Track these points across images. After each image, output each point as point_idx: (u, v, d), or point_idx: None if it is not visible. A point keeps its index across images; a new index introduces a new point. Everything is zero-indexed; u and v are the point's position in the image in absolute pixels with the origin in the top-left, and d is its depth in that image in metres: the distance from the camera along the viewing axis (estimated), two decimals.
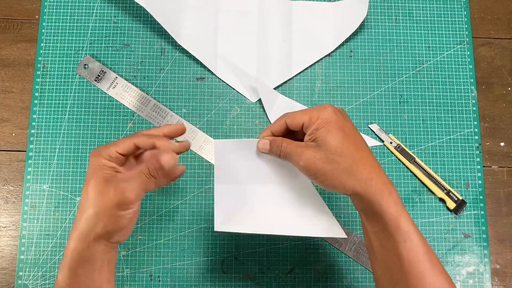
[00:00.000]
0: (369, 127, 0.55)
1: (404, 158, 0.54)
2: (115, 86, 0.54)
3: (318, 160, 0.37)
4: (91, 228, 0.37)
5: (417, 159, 0.54)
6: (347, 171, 0.37)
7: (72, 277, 0.37)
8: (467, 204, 0.53)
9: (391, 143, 0.54)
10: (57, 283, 0.37)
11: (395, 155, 0.54)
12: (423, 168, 0.53)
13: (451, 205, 0.52)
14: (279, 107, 0.55)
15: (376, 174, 0.37)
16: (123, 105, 0.54)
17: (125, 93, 0.54)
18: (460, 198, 0.53)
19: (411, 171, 0.54)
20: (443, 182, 0.53)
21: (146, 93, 0.55)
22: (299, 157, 0.38)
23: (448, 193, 0.53)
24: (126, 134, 0.54)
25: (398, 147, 0.54)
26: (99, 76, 0.54)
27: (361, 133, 0.54)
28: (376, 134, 0.54)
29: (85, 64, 0.54)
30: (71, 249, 0.37)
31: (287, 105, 0.55)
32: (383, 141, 0.54)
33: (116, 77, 0.54)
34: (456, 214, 0.53)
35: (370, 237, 0.38)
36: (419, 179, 0.54)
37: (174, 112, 0.54)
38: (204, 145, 0.54)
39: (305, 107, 0.55)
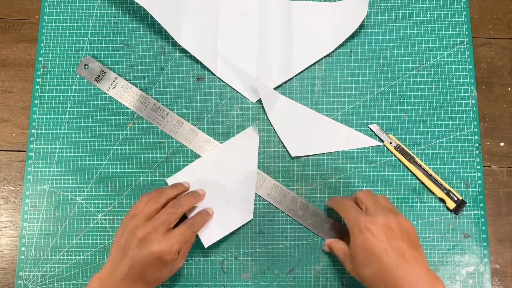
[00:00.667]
0: (369, 127, 0.55)
1: (404, 158, 0.54)
2: (115, 86, 0.54)
3: (351, 271, 0.45)
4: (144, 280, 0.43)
5: (417, 159, 0.54)
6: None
7: None
8: (467, 204, 0.53)
9: (391, 143, 0.54)
10: None
11: (395, 155, 0.54)
12: (423, 168, 0.53)
13: (451, 205, 0.52)
14: (279, 108, 0.55)
15: None
16: (123, 105, 0.54)
17: (125, 93, 0.54)
18: (460, 198, 0.53)
19: (411, 171, 0.54)
20: (443, 182, 0.53)
21: (146, 93, 0.55)
22: (344, 266, 0.46)
23: (448, 193, 0.53)
24: (126, 134, 0.54)
25: (398, 147, 0.54)
26: (99, 76, 0.54)
27: (360, 133, 0.54)
28: (376, 134, 0.54)
29: (85, 64, 0.54)
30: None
31: (287, 105, 0.55)
32: (383, 141, 0.54)
33: (116, 77, 0.54)
34: (456, 214, 0.53)
35: None
36: (419, 179, 0.54)
37: (174, 112, 0.54)
38: (204, 145, 0.54)
39: (305, 107, 0.55)
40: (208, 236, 0.49)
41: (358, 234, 0.42)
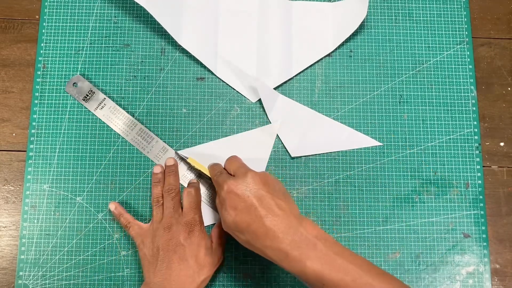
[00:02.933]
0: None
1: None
2: (102, 107, 0.54)
3: (232, 234, 0.43)
4: None
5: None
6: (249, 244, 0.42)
7: None
8: (467, 204, 0.53)
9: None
10: None
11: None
12: None
13: None
14: (279, 108, 0.55)
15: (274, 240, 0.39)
16: (123, 105, 0.54)
17: (112, 115, 0.54)
18: None
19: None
20: None
21: (146, 93, 0.55)
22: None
23: None
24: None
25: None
26: (87, 96, 0.53)
27: (360, 133, 0.54)
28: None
29: (74, 83, 0.54)
30: None
31: (287, 105, 0.55)
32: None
33: (105, 98, 0.54)
34: None
35: None
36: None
37: (159, 137, 0.54)
38: (187, 174, 0.54)
39: (305, 107, 0.55)
40: (210, 217, 0.52)
41: (225, 197, 0.42)
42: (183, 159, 0.53)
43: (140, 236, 0.47)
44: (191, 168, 0.53)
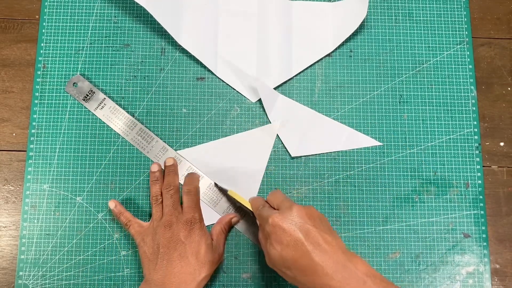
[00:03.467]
0: None
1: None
2: (102, 107, 0.54)
3: (277, 270, 0.43)
4: None
5: None
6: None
7: None
8: (467, 204, 0.53)
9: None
10: None
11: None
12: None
13: None
14: (279, 107, 0.55)
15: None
16: (123, 105, 0.54)
17: (112, 115, 0.54)
18: None
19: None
20: None
21: (146, 93, 0.55)
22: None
23: None
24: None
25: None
26: (87, 95, 0.53)
27: (360, 133, 0.54)
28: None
29: (74, 83, 0.54)
30: None
31: (287, 105, 0.55)
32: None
33: (105, 98, 0.54)
34: None
35: None
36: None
37: (159, 137, 0.54)
38: (186, 173, 0.54)
39: (305, 107, 0.55)
40: (210, 218, 0.52)
41: (270, 231, 0.41)
42: (223, 191, 0.52)
43: (140, 234, 0.47)
44: (230, 200, 0.52)
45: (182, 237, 0.45)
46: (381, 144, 0.55)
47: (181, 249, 0.45)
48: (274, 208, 0.44)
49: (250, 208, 0.48)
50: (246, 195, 0.51)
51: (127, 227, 0.49)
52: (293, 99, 0.56)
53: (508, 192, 0.55)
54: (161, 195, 0.49)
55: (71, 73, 0.55)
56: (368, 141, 0.55)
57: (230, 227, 0.52)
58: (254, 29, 0.56)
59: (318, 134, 0.55)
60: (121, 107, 0.54)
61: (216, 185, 0.53)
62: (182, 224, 0.46)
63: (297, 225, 0.40)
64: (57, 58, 0.55)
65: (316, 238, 0.39)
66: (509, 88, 0.57)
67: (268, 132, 0.54)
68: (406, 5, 0.58)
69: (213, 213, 0.52)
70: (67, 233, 0.52)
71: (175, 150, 0.54)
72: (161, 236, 0.46)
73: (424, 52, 0.57)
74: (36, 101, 0.54)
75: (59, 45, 0.56)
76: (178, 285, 0.43)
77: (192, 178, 0.51)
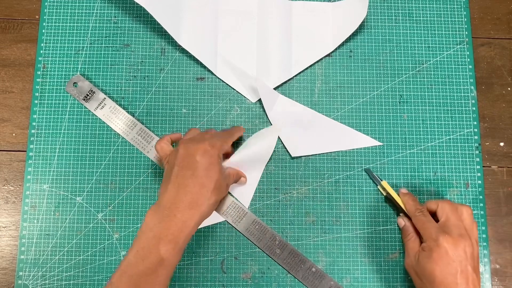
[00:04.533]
0: (364, 170, 0.54)
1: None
2: (103, 107, 0.54)
3: (412, 272, 0.47)
4: (208, 213, 0.44)
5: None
6: None
7: (179, 253, 0.41)
8: (467, 204, 0.53)
9: (384, 189, 0.53)
10: (162, 258, 0.39)
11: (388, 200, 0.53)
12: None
13: None
14: (279, 107, 0.55)
15: None
16: (123, 105, 0.54)
17: (112, 115, 0.53)
18: None
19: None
20: None
21: (146, 93, 0.55)
22: (407, 256, 0.48)
23: None
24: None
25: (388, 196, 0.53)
26: (87, 95, 0.53)
27: (360, 133, 0.54)
28: (370, 177, 0.54)
29: (74, 82, 0.54)
30: (193, 225, 0.41)
31: (287, 105, 0.55)
32: (376, 185, 0.53)
33: (105, 98, 0.54)
34: None
35: None
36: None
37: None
38: None
39: (305, 107, 0.55)
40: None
41: (434, 248, 0.45)
42: (375, 180, 0.53)
43: (166, 153, 0.47)
44: (384, 190, 0.53)
45: (197, 157, 0.43)
46: (381, 144, 0.55)
47: (194, 168, 0.43)
48: (435, 218, 0.48)
49: (401, 205, 0.51)
50: (240, 194, 0.52)
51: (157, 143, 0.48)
52: (293, 99, 0.56)
53: (508, 192, 0.55)
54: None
55: (71, 73, 0.55)
56: (368, 141, 0.55)
57: (236, 180, 0.51)
58: (254, 29, 0.56)
59: (318, 134, 0.55)
60: (121, 107, 0.54)
61: (368, 172, 0.53)
62: (201, 144, 0.44)
63: (462, 262, 0.44)
64: (57, 58, 0.55)
65: (468, 278, 0.43)
66: (509, 88, 0.57)
67: (271, 133, 0.54)
68: (406, 5, 0.58)
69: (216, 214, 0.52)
70: (67, 233, 0.52)
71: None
72: (179, 154, 0.44)
73: (424, 52, 0.57)
74: (36, 101, 0.54)
75: (59, 45, 0.56)
76: (189, 204, 0.42)
77: (233, 130, 0.51)
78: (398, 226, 0.52)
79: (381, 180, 0.52)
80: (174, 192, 0.42)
